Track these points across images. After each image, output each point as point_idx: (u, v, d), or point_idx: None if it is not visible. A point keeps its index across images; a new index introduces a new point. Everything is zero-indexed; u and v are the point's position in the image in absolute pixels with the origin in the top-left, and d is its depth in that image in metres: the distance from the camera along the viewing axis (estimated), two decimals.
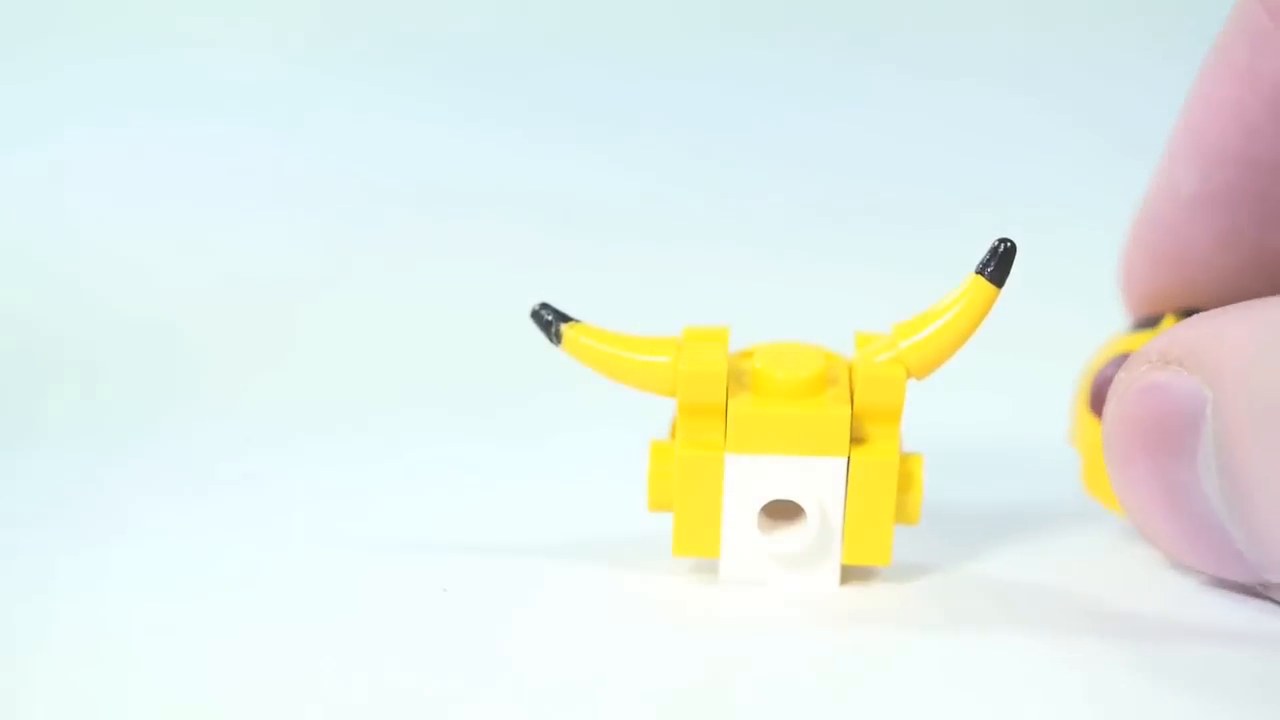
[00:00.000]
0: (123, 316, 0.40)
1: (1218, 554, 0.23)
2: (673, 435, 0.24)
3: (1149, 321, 0.27)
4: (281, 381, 0.36)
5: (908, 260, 0.44)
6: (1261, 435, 0.21)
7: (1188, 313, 0.26)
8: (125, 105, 0.48)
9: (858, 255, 0.47)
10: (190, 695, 0.20)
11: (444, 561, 0.25)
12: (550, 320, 0.24)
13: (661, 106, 0.53)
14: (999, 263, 0.23)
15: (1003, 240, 0.23)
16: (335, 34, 0.51)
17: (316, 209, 0.47)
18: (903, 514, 0.24)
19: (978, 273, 0.23)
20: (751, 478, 0.23)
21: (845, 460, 0.23)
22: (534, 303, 0.24)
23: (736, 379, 0.24)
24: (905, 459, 0.24)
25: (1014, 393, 0.35)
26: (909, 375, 0.23)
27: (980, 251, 0.23)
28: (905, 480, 0.24)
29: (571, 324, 0.24)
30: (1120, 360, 0.25)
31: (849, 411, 0.23)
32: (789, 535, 0.24)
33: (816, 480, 0.23)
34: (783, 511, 0.24)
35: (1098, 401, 0.26)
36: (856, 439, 0.23)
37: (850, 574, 0.24)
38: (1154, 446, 0.23)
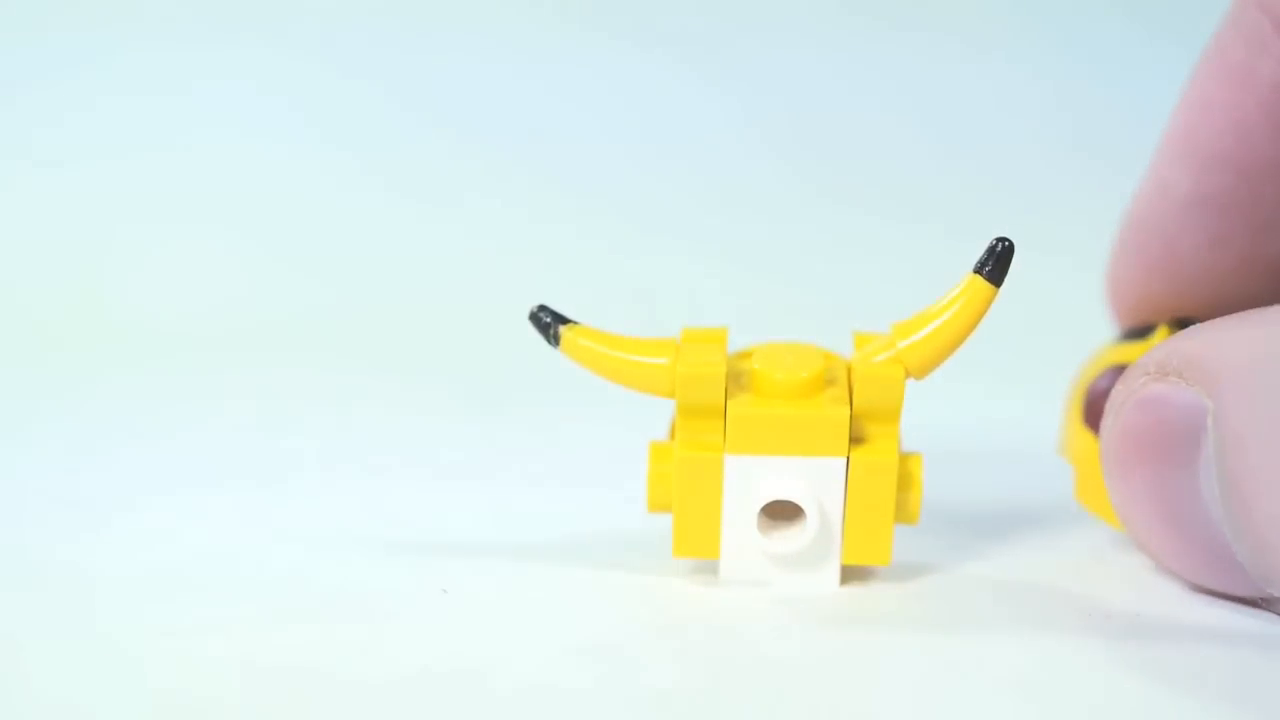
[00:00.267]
0: (122, 313, 0.40)
1: (1218, 567, 0.23)
2: (672, 436, 0.24)
3: (1140, 332, 0.27)
4: (281, 382, 0.36)
5: (906, 260, 0.44)
6: (1263, 445, 0.21)
7: (1180, 323, 0.25)
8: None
9: (856, 255, 0.47)
10: (189, 696, 0.20)
11: (444, 563, 0.25)
12: (548, 322, 0.24)
13: (660, 106, 0.53)
14: (997, 262, 0.23)
15: (1000, 239, 0.23)
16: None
17: (317, 207, 0.47)
18: (902, 514, 0.24)
19: (976, 272, 0.23)
20: (751, 478, 0.23)
21: (844, 460, 0.23)
22: (532, 305, 0.24)
23: (735, 380, 0.24)
24: (904, 459, 0.24)
25: (1014, 392, 0.36)
26: (908, 375, 0.23)
27: (978, 250, 0.23)
28: (905, 480, 0.24)
29: (570, 326, 0.24)
30: (1113, 373, 0.25)
31: (848, 412, 0.23)
32: (789, 536, 0.24)
33: (816, 481, 0.23)
34: (782, 512, 0.24)
35: (1091, 415, 0.26)
36: (856, 439, 0.23)
37: (850, 574, 0.24)
38: (1154, 459, 0.23)
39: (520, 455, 0.31)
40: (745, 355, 0.24)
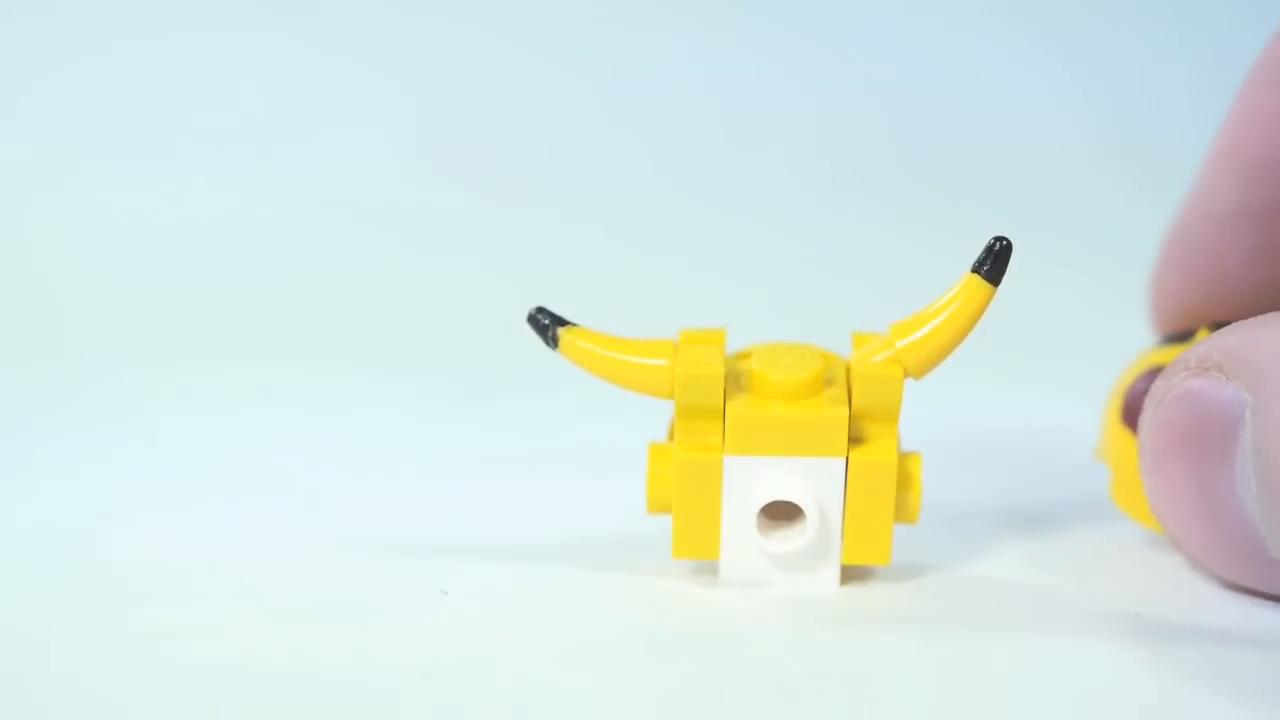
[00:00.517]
0: (121, 312, 0.40)
1: (1251, 563, 0.23)
2: (671, 437, 0.24)
3: (1180, 337, 0.27)
4: (280, 382, 0.36)
5: (904, 260, 0.44)
6: None
7: (1220, 328, 0.26)
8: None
9: (854, 255, 0.47)
10: (189, 697, 0.20)
11: (444, 564, 0.25)
12: (547, 324, 0.24)
13: (658, 106, 0.53)
14: (995, 261, 0.23)
15: (999, 239, 0.23)
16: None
17: (317, 208, 0.47)
18: (902, 513, 0.24)
19: (974, 271, 0.23)
20: (750, 479, 0.23)
21: (844, 460, 0.23)
22: (531, 307, 0.24)
23: (734, 380, 0.24)
24: (904, 458, 0.24)
25: (1014, 392, 0.36)
26: (906, 375, 0.23)
27: (976, 250, 0.23)
28: (904, 480, 0.24)
29: (568, 328, 0.24)
30: (1152, 374, 0.25)
31: (847, 412, 0.23)
32: (788, 536, 0.24)
33: (815, 481, 0.23)
34: (782, 512, 0.24)
35: (1130, 415, 0.26)
36: (855, 439, 0.23)
37: (850, 574, 0.24)
38: (1191, 452, 0.23)
39: (520, 456, 0.31)
40: (744, 356, 0.24)
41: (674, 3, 0.56)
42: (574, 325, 0.24)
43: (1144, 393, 0.24)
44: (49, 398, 0.35)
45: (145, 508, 0.28)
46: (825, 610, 0.23)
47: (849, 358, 0.24)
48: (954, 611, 0.24)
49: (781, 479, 0.23)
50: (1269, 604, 0.24)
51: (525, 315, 0.24)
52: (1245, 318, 0.26)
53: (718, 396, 0.23)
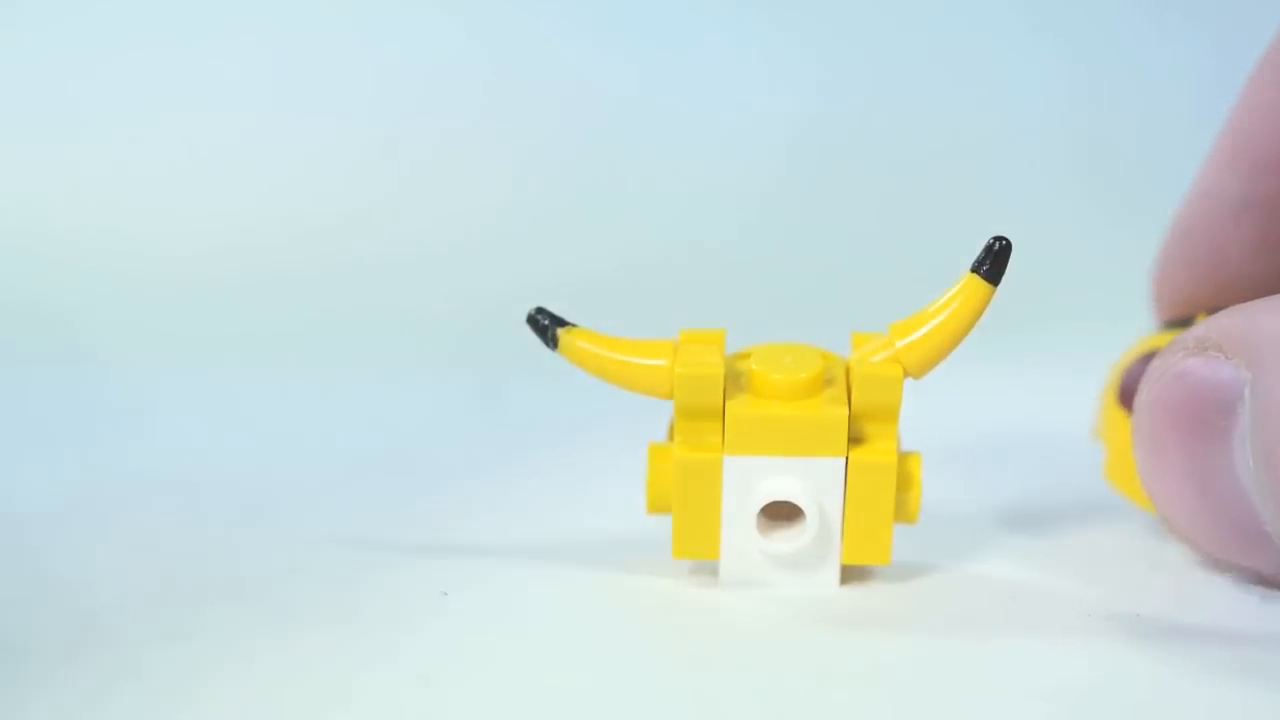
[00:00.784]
0: (117, 312, 0.40)
1: (1246, 543, 0.23)
2: (671, 437, 0.24)
3: (1180, 323, 0.27)
4: (280, 381, 0.36)
5: (904, 259, 0.44)
6: None
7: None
8: None
9: (854, 255, 0.47)
10: (188, 697, 0.20)
11: (443, 565, 0.25)
12: (547, 325, 0.24)
13: (659, 106, 0.53)
14: (994, 261, 0.23)
15: (998, 238, 0.23)
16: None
17: (317, 209, 0.47)
18: (902, 513, 0.24)
19: (973, 271, 0.23)
20: (750, 479, 0.23)
21: (844, 461, 0.23)
22: (530, 307, 0.24)
23: (734, 381, 0.24)
24: (904, 458, 0.24)
25: (1014, 391, 0.36)
26: (906, 374, 0.23)
27: (976, 249, 0.23)
28: (904, 480, 0.24)
29: (568, 328, 0.24)
30: (1150, 357, 0.25)
31: (846, 412, 0.23)
32: (788, 536, 0.24)
33: (815, 481, 0.23)
34: (782, 513, 0.24)
35: (1126, 395, 0.26)
36: (854, 439, 0.23)
37: (850, 574, 0.24)
38: (1187, 430, 0.23)
39: (519, 457, 0.31)
40: (743, 356, 0.24)
41: (674, 3, 0.56)
42: (573, 326, 0.24)
43: (1141, 374, 0.24)
44: (51, 396, 0.35)
45: (145, 507, 0.28)
46: (825, 610, 0.23)
47: (849, 358, 0.24)
48: (954, 611, 0.24)
49: (781, 479, 0.23)
50: (1269, 601, 0.24)
51: (525, 316, 0.24)
52: None
53: (717, 396, 0.23)
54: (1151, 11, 0.57)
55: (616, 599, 0.24)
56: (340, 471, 0.30)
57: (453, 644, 0.22)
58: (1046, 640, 0.23)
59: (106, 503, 0.28)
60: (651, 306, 0.38)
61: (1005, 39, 0.57)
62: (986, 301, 0.23)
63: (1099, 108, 0.56)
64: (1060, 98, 0.56)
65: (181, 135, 0.48)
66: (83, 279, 0.43)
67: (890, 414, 0.23)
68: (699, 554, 0.24)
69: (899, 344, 0.23)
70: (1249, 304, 0.23)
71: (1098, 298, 0.42)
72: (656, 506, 0.24)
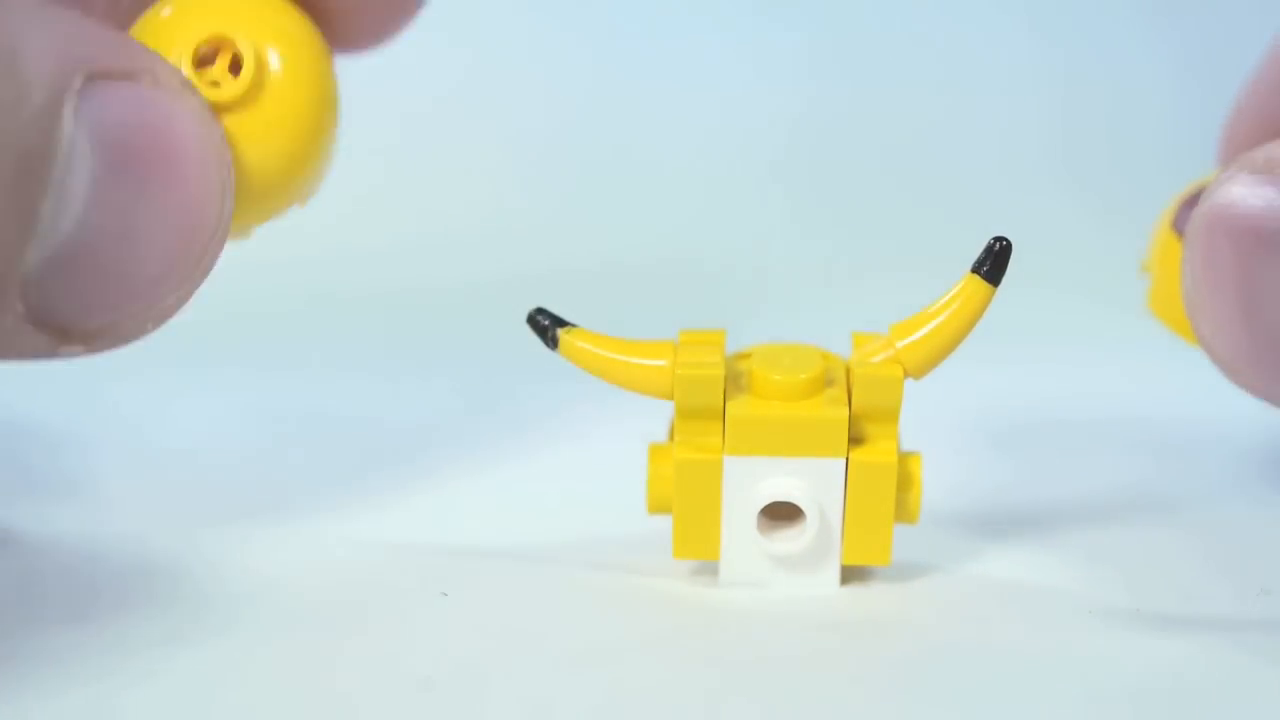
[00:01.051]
0: None
1: None
2: (671, 438, 0.24)
3: None
4: (279, 380, 0.36)
5: (904, 260, 0.44)
6: None
7: None
8: None
9: (854, 256, 0.47)
10: (187, 698, 0.20)
11: (444, 565, 0.25)
12: (547, 325, 0.24)
13: (658, 106, 0.53)
14: (994, 261, 0.23)
15: (998, 239, 0.23)
16: None
17: (321, 205, 0.47)
18: (902, 513, 0.24)
19: (973, 271, 0.23)
20: (750, 480, 0.23)
21: (844, 461, 0.23)
22: (530, 308, 0.24)
23: (734, 381, 0.24)
24: (904, 458, 0.24)
25: (1014, 391, 0.35)
26: (906, 375, 0.23)
27: (976, 250, 0.23)
28: (904, 480, 0.24)
29: (568, 329, 0.24)
30: None
31: (847, 412, 0.23)
32: (789, 537, 0.24)
33: (815, 481, 0.23)
34: (782, 513, 0.24)
35: (1183, 221, 0.26)
36: (855, 439, 0.23)
37: (850, 574, 0.24)
38: (1244, 247, 0.22)
39: (519, 457, 0.31)
40: (744, 356, 0.24)
41: (674, 3, 0.56)
42: (573, 326, 0.24)
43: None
44: (50, 395, 0.35)
45: (141, 507, 0.28)
46: (825, 610, 0.23)
47: (849, 358, 0.24)
48: (954, 611, 0.24)
49: (782, 479, 0.23)
50: (1268, 593, 0.24)
51: (525, 316, 0.24)
52: None
53: (718, 397, 0.23)
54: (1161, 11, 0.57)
55: (617, 599, 0.24)
56: (340, 471, 0.30)
57: (453, 644, 0.22)
58: (1047, 638, 0.23)
59: (98, 502, 0.28)
60: (651, 306, 0.38)
61: (1005, 40, 0.57)
62: (987, 302, 0.23)
63: (1100, 109, 0.56)
64: (1062, 98, 0.56)
65: None
66: None
67: (890, 414, 0.23)
68: (699, 554, 0.24)
69: (899, 344, 0.23)
70: None
71: (1099, 298, 0.42)
72: (656, 506, 0.24)
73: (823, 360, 0.24)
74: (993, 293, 0.23)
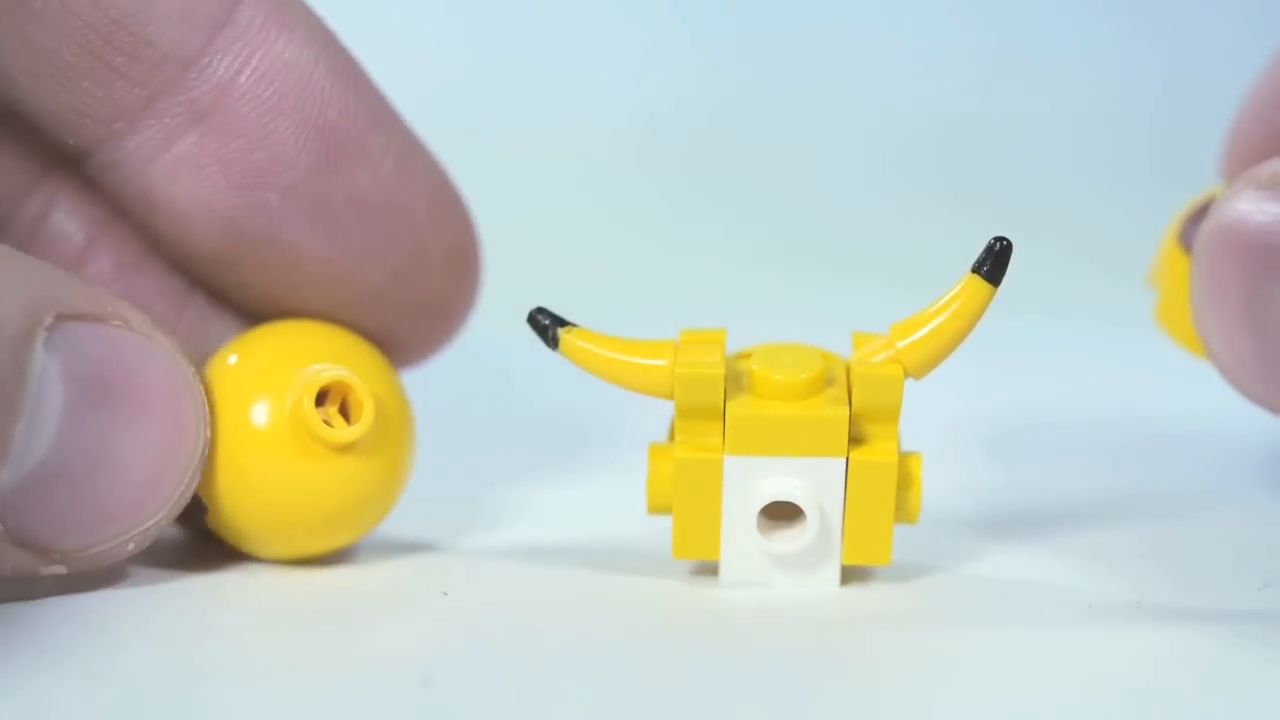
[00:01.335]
0: None
1: None
2: (671, 438, 0.24)
3: None
4: None
5: (904, 260, 0.44)
6: None
7: None
8: None
9: (854, 256, 0.47)
10: (187, 698, 0.20)
11: (444, 565, 0.25)
12: (547, 325, 0.24)
13: (658, 106, 0.53)
14: (995, 261, 0.23)
15: (999, 239, 0.23)
16: None
17: None
18: (902, 513, 0.24)
19: (974, 271, 0.23)
20: (750, 480, 0.23)
21: (844, 461, 0.23)
22: (531, 307, 0.24)
23: (734, 381, 0.24)
24: (904, 458, 0.24)
25: (1014, 391, 0.36)
26: (906, 375, 0.23)
27: (977, 249, 0.23)
28: (904, 480, 0.24)
29: (569, 328, 0.24)
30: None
31: (847, 412, 0.23)
32: (789, 536, 0.24)
33: (815, 481, 0.23)
34: (782, 513, 0.24)
35: (1188, 238, 0.26)
36: (855, 439, 0.23)
37: (850, 574, 0.24)
38: (1251, 264, 0.23)
39: (519, 456, 0.31)
40: (744, 356, 0.24)
41: (674, 3, 0.56)
42: (574, 326, 0.24)
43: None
44: None
45: None
46: (825, 610, 0.23)
47: (849, 358, 0.24)
48: (954, 611, 0.24)
49: (782, 479, 0.23)
50: (1269, 585, 0.24)
51: (525, 315, 0.24)
52: None
53: (718, 397, 0.23)
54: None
55: (617, 599, 0.24)
56: None
57: (453, 644, 0.22)
58: (1048, 635, 0.23)
59: None
60: (651, 306, 0.38)
61: (1006, 42, 0.57)
62: (987, 302, 0.23)
63: (1100, 112, 0.56)
64: (1063, 101, 0.56)
65: None
66: None
67: (891, 414, 0.23)
68: (699, 554, 0.24)
69: (900, 344, 0.23)
70: None
71: (1100, 298, 0.42)
72: (656, 506, 0.24)
73: (823, 360, 0.24)
74: (993, 293, 0.23)
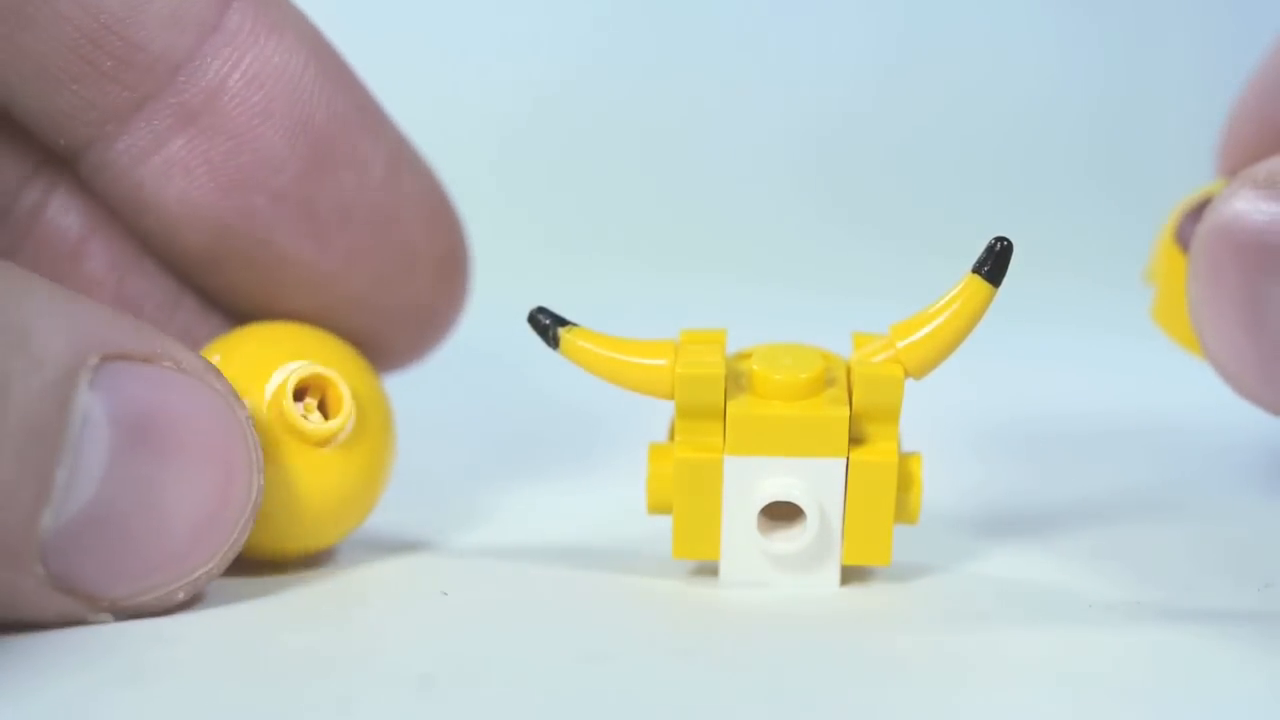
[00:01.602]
0: None
1: None
2: (671, 438, 0.24)
3: None
4: None
5: (905, 260, 0.44)
6: None
7: None
8: None
9: (854, 255, 0.47)
10: (186, 697, 0.20)
11: (444, 564, 0.25)
12: (548, 324, 0.24)
13: (658, 106, 0.53)
14: (995, 261, 0.23)
15: (999, 239, 0.23)
16: None
17: None
18: (902, 514, 0.24)
19: (974, 271, 0.23)
20: (750, 479, 0.23)
21: (844, 461, 0.23)
22: (531, 307, 0.24)
23: (735, 381, 0.24)
24: (904, 459, 0.24)
25: (1014, 391, 0.36)
26: (907, 375, 0.23)
27: (977, 250, 0.23)
28: (905, 480, 0.24)
29: (569, 328, 0.24)
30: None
31: (847, 412, 0.23)
32: (789, 536, 0.24)
33: (816, 481, 0.23)
34: (782, 513, 0.24)
35: (1185, 234, 0.26)
36: (855, 439, 0.23)
37: (850, 574, 0.24)
38: (1248, 262, 0.23)
39: (519, 456, 0.31)
40: (744, 356, 0.24)
41: (674, 4, 0.56)
42: (574, 325, 0.24)
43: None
44: None
45: None
46: (825, 610, 0.23)
47: (849, 358, 0.24)
48: (955, 611, 0.24)
49: (782, 479, 0.23)
50: (1269, 586, 0.24)
51: (526, 315, 0.24)
52: None
53: (718, 397, 0.23)
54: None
55: (617, 599, 0.24)
56: None
57: (453, 644, 0.22)
58: (1048, 635, 0.23)
59: None
60: (652, 306, 0.38)
61: (1006, 44, 0.57)
62: (988, 302, 0.23)
63: (1103, 110, 0.56)
64: (1064, 102, 0.56)
65: None
66: None
67: (891, 414, 0.23)
68: (699, 554, 0.24)
69: (900, 344, 0.23)
70: None
71: (1100, 298, 0.42)
72: (656, 506, 0.24)
73: (823, 360, 0.24)
74: (994, 293, 0.23)
